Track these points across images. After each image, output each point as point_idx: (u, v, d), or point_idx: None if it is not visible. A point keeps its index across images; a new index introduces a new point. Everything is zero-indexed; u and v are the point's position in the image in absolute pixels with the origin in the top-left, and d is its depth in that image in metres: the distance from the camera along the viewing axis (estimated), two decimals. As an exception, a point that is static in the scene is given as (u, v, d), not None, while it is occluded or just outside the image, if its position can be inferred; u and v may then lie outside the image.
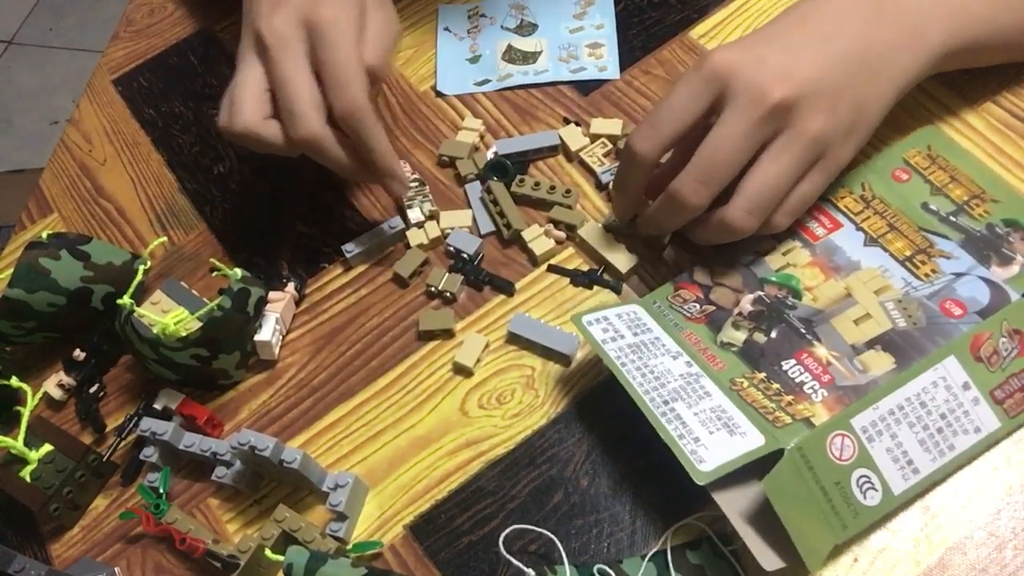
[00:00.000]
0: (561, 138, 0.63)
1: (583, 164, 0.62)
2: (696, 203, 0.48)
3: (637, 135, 0.50)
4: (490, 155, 0.64)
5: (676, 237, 0.58)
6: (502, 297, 0.58)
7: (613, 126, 0.62)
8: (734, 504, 0.44)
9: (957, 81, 0.59)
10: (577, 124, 0.64)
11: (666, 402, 0.46)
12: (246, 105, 0.55)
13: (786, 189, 0.49)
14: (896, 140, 0.56)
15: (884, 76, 0.50)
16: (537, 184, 0.60)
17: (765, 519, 0.44)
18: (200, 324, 0.54)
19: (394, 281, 0.60)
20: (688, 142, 0.50)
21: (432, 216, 0.62)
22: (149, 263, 0.63)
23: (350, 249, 0.61)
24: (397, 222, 0.61)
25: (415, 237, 0.61)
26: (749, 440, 0.44)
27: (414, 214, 0.62)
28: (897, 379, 0.45)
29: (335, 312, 0.60)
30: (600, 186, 0.61)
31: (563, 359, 0.55)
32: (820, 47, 0.48)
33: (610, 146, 0.62)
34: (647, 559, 0.47)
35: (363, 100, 0.54)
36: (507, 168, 0.62)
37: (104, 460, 0.57)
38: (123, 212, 0.69)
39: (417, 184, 0.63)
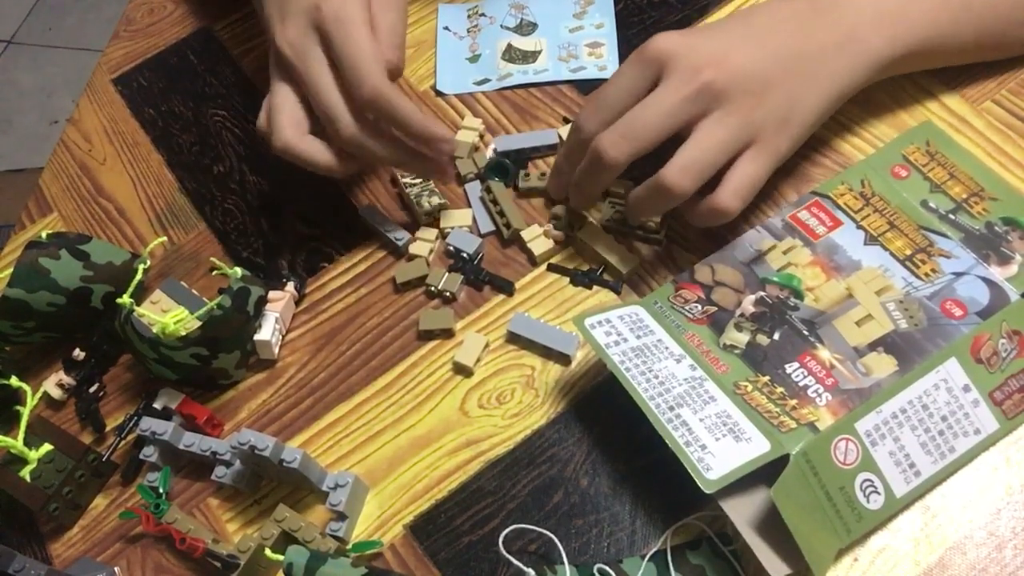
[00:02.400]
0: (561, 137, 0.63)
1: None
2: (614, 155, 0.50)
3: (583, 114, 0.53)
4: (489, 153, 0.64)
5: (675, 234, 0.58)
6: (502, 297, 0.58)
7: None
8: (741, 512, 0.44)
9: (957, 80, 0.59)
10: (577, 124, 0.64)
11: (671, 408, 0.46)
12: (283, 124, 0.56)
13: (718, 158, 0.50)
14: (894, 137, 0.56)
15: (819, 76, 0.51)
16: (543, 175, 0.61)
17: (769, 524, 0.44)
18: (200, 323, 0.54)
19: (393, 283, 0.60)
20: None
21: (441, 207, 0.62)
22: (149, 262, 0.63)
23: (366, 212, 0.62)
24: (403, 235, 0.61)
25: (418, 248, 0.61)
26: (755, 446, 0.44)
27: (424, 209, 0.61)
28: (900, 382, 0.45)
29: (335, 312, 0.60)
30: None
31: (563, 359, 0.55)
32: (756, 42, 0.51)
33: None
34: (647, 559, 0.47)
35: (382, 83, 0.54)
36: (507, 169, 0.62)
37: (104, 460, 0.57)
38: (123, 212, 0.69)
39: (421, 180, 0.63)
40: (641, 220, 0.57)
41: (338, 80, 0.55)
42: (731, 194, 0.50)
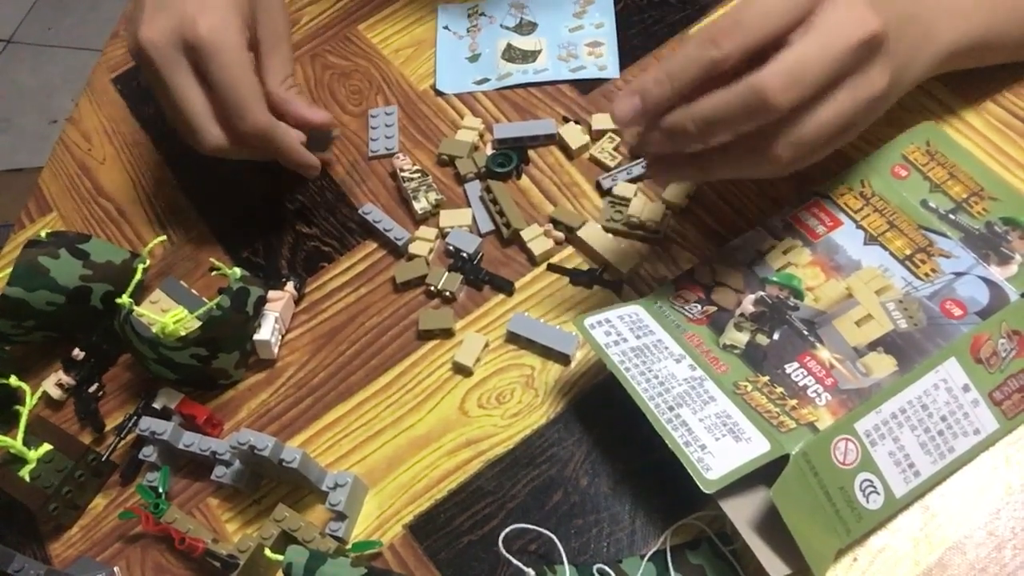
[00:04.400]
0: (561, 137, 0.63)
1: (595, 162, 0.62)
2: (781, 103, 0.42)
3: (720, 30, 0.44)
4: (489, 149, 0.64)
5: (675, 234, 0.58)
6: (501, 296, 0.58)
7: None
8: (741, 512, 0.44)
9: (957, 81, 0.58)
10: (577, 123, 0.64)
11: (671, 408, 0.46)
12: (253, 106, 0.56)
13: (830, 139, 0.45)
14: (894, 137, 0.56)
15: (906, 62, 0.49)
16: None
17: (769, 524, 0.44)
18: (199, 323, 0.54)
19: (393, 282, 0.60)
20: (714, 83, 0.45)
21: (439, 205, 0.62)
22: (148, 262, 0.63)
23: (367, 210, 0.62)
24: (403, 234, 0.61)
25: (417, 248, 0.61)
26: (754, 446, 0.44)
27: (420, 204, 0.62)
28: (899, 382, 0.45)
29: (334, 311, 0.60)
30: (601, 189, 0.61)
31: (562, 358, 0.55)
32: (890, 3, 0.46)
33: (618, 140, 0.62)
34: (647, 559, 0.47)
35: (264, 117, 0.56)
36: (512, 158, 0.62)
37: (103, 459, 0.57)
38: (122, 211, 0.69)
39: (420, 175, 0.63)
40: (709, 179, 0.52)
41: (205, 93, 0.56)
42: (790, 147, 0.44)
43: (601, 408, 0.53)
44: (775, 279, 0.52)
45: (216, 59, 0.55)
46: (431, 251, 0.61)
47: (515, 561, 0.47)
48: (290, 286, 0.60)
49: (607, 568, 0.47)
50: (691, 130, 0.45)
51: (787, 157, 0.45)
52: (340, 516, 0.51)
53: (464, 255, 0.59)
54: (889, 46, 0.45)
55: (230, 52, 0.55)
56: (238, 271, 0.56)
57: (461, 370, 0.56)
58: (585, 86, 0.66)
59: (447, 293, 0.58)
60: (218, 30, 0.55)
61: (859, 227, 0.52)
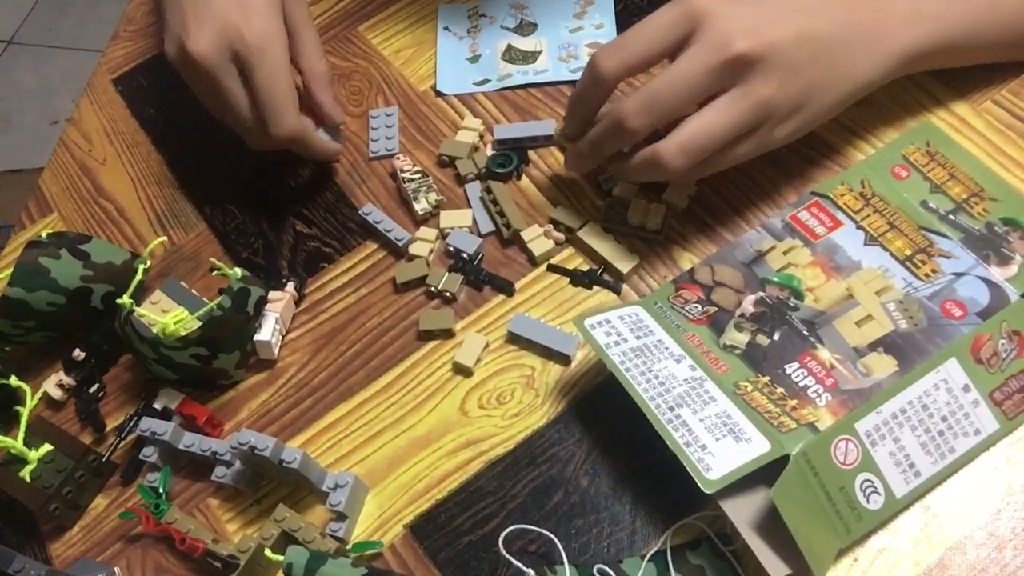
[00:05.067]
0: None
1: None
2: (634, 126, 0.50)
3: (602, 52, 0.51)
4: (489, 150, 0.64)
5: (675, 234, 0.58)
6: (502, 297, 0.58)
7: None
8: (741, 512, 0.44)
9: (957, 80, 0.58)
10: (577, 124, 0.64)
11: (671, 408, 0.46)
12: (287, 109, 0.59)
13: (722, 141, 0.49)
14: (894, 137, 0.56)
15: (844, 70, 0.51)
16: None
17: (769, 524, 0.44)
18: (200, 324, 0.54)
19: (393, 283, 0.60)
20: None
21: (439, 206, 0.62)
22: (149, 262, 0.63)
23: (367, 211, 0.63)
24: (403, 235, 0.61)
25: (418, 248, 0.61)
26: (755, 446, 0.44)
27: (420, 205, 0.62)
28: (900, 382, 0.45)
29: (335, 312, 0.60)
30: (601, 189, 0.61)
31: (563, 359, 0.55)
32: (794, 20, 0.49)
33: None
34: (647, 559, 0.47)
35: (295, 123, 0.59)
36: (512, 159, 0.62)
37: (104, 460, 0.57)
38: (123, 212, 0.69)
39: (420, 176, 0.63)
40: (626, 180, 0.58)
41: (249, 95, 0.59)
42: (710, 169, 0.50)
43: (601, 408, 0.53)
44: (775, 279, 0.52)
45: (260, 67, 0.58)
46: (431, 252, 0.61)
47: (515, 561, 0.47)
48: (291, 286, 0.60)
49: (607, 568, 0.47)
50: (585, 149, 0.55)
51: (680, 162, 0.49)
52: (340, 516, 0.51)
53: (464, 256, 0.59)
54: (775, 60, 0.48)
55: (273, 60, 0.58)
56: (239, 271, 0.56)
57: (461, 370, 0.56)
58: (585, 87, 0.66)
59: (447, 294, 0.58)
60: (262, 36, 0.58)
61: (859, 227, 0.52)
